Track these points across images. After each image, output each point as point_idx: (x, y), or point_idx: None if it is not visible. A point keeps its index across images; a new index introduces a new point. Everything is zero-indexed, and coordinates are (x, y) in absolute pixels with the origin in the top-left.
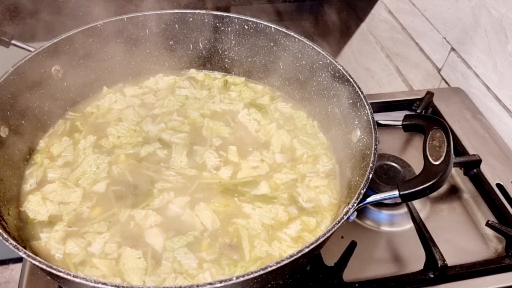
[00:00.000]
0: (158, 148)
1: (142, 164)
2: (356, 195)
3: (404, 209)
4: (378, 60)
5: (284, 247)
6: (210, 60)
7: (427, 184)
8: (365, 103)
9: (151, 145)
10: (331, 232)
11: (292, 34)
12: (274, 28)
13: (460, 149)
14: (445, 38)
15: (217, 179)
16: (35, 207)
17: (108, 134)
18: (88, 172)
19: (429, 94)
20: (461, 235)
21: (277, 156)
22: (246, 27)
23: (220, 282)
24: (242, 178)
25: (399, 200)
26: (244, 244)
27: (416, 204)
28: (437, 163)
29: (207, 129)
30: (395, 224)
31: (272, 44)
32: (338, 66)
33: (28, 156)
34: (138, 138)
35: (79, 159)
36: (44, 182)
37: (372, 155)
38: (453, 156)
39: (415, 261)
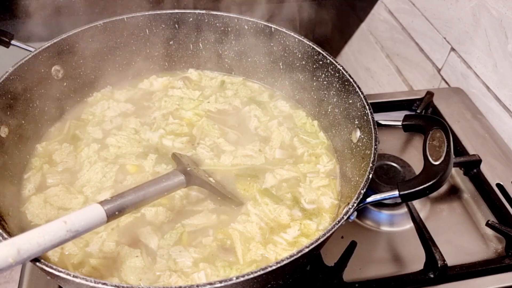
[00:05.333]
0: (162, 164)
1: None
2: (356, 195)
3: (404, 209)
4: (378, 60)
5: (279, 250)
6: (210, 60)
7: (427, 184)
8: (365, 103)
9: (154, 160)
10: (331, 232)
11: (292, 34)
12: (274, 28)
13: (460, 149)
14: (445, 38)
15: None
16: (35, 209)
17: (109, 144)
18: (94, 180)
19: (429, 94)
20: (461, 235)
21: (277, 151)
22: (246, 27)
23: (220, 282)
24: (238, 165)
25: (399, 200)
26: (237, 247)
27: (416, 204)
28: (437, 163)
29: (205, 128)
30: (395, 224)
31: (272, 44)
32: (338, 66)
33: (28, 156)
34: (139, 148)
35: (84, 167)
36: (43, 187)
37: (372, 155)
38: (453, 156)
39: (415, 261)
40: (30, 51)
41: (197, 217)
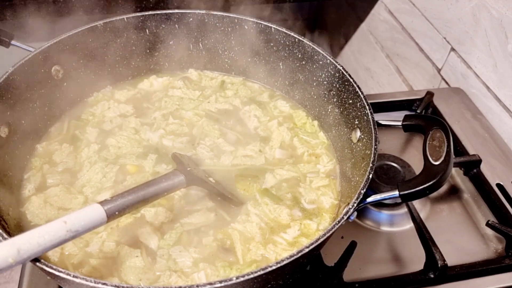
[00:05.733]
0: (162, 164)
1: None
2: (356, 195)
3: (404, 209)
4: (378, 60)
5: (279, 250)
6: (210, 60)
7: (427, 184)
8: (365, 103)
9: (154, 160)
10: (331, 232)
11: (292, 34)
12: (274, 28)
13: (460, 149)
14: (445, 38)
15: (221, 166)
16: (36, 209)
17: (109, 145)
18: (94, 180)
19: (429, 94)
20: (461, 235)
21: (277, 151)
22: (246, 27)
23: (220, 282)
24: (238, 165)
25: (399, 200)
26: (237, 247)
27: (416, 204)
28: (437, 163)
29: (205, 128)
30: (395, 224)
31: (272, 44)
32: (338, 66)
33: (28, 156)
34: (139, 148)
35: (84, 167)
36: (43, 187)
37: (372, 155)
38: (453, 156)
39: (415, 261)
40: (30, 51)
41: (196, 215)
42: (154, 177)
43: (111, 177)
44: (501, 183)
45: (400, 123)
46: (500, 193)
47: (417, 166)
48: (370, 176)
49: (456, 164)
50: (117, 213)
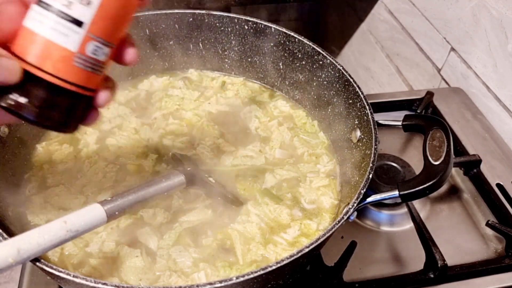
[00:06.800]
0: (162, 164)
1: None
2: (356, 195)
3: (404, 209)
4: (378, 60)
5: (279, 250)
6: (210, 60)
7: (427, 184)
8: (365, 103)
9: (154, 160)
10: (331, 232)
11: (292, 34)
12: (274, 28)
13: (460, 149)
14: (445, 38)
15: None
16: (35, 209)
17: (109, 145)
18: (94, 180)
19: (429, 94)
20: (461, 235)
21: (277, 151)
22: (246, 27)
23: (220, 282)
24: (238, 165)
25: (399, 200)
26: (237, 247)
27: (416, 204)
28: (437, 163)
29: (205, 128)
30: (395, 224)
31: (272, 44)
32: (338, 66)
33: (28, 156)
34: (139, 148)
35: (85, 167)
36: (43, 187)
37: (372, 155)
38: (453, 156)
39: (415, 261)
40: None
41: (193, 213)
42: (154, 177)
43: (111, 177)
44: (501, 183)
45: (400, 123)
46: (500, 193)
47: (417, 166)
48: (370, 176)
49: (456, 164)
50: (117, 213)
